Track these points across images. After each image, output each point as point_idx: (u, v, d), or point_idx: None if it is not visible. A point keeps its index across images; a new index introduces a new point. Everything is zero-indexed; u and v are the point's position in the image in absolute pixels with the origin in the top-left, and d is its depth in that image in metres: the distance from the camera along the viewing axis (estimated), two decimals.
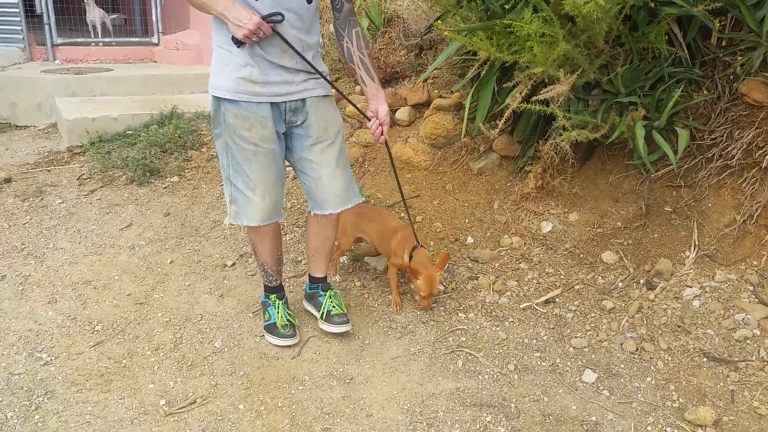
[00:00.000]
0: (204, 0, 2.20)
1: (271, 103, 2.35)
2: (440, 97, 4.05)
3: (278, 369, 2.53)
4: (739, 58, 2.91)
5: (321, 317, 2.77)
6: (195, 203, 4.15)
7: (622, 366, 2.44)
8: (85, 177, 4.47)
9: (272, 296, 2.77)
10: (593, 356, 2.52)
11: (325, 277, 2.86)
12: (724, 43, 3.03)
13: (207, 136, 5.01)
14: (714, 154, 3.01)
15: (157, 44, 7.22)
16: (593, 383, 2.37)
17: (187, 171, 4.58)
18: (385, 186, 3.91)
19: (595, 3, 2.48)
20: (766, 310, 2.49)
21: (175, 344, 2.72)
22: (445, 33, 3.07)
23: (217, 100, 2.35)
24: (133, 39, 7.36)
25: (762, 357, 2.32)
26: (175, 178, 4.48)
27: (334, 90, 2.53)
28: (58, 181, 4.40)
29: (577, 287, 2.93)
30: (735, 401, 2.18)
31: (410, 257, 2.79)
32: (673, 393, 2.27)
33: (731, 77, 2.98)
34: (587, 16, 2.53)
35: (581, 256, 3.13)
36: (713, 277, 2.74)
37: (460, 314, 2.84)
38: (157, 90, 6.17)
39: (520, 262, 3.17)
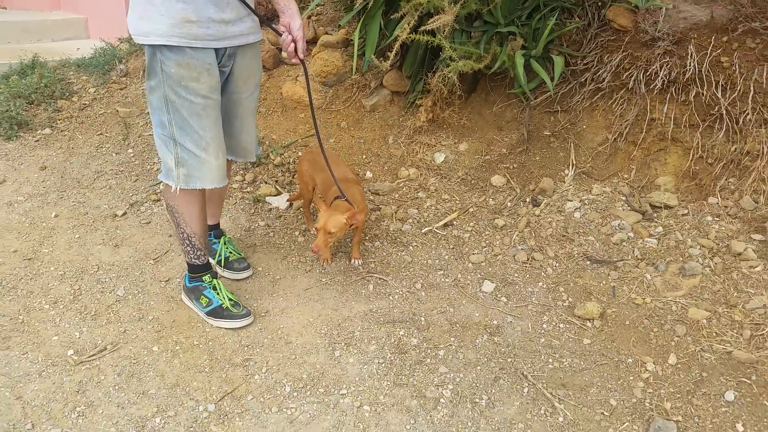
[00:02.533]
0: None
1: (216, 48, 2.12)
2: (326, 33, 4.02)
3: (189, 311, 2.51)
4: None
5: (219, 264, 2.70)
6: (72, 155, 3.90)
7: (516, 275, 2.66)
8: None
9: (205, 276, 2.47)
10: (490, 269, 2.72)
11: (217, 224, 2.78)
12: None
13: (77, 84, 4.67)
14: (586, 79, 3.25)
15: None
16: (492, 292, 2.57)
17: (59, 122, 4.27)
18: (279, 127, 3.88)
19: None
20: (638, 215, 2.79)
21: (74, 296, 2.61)
22: None
23: (152, 48, 2.05)
24: None
25: (636, 256, 2.61)
26: (47, 130, 4.17)
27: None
28: None
29: (471, 210, 3.11)
30: (616, 296, 2.46)
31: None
32: (563, 294, 2.52)
33: (599, 4, 3.21)
34: None
35: (473, 182, 3.32)
36: (590, 191, 3.01)
37: (366, 243, 2.93)
38: (12, 38, 5.62)
39: (418, 192, 3.30)
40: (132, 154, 3.86)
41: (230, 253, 2.74)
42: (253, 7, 2.20)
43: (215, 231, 2.76)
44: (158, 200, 3.36)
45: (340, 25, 3.91)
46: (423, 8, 2.97)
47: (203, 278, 2.47)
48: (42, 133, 4.14)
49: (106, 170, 3.70)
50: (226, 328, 2.39)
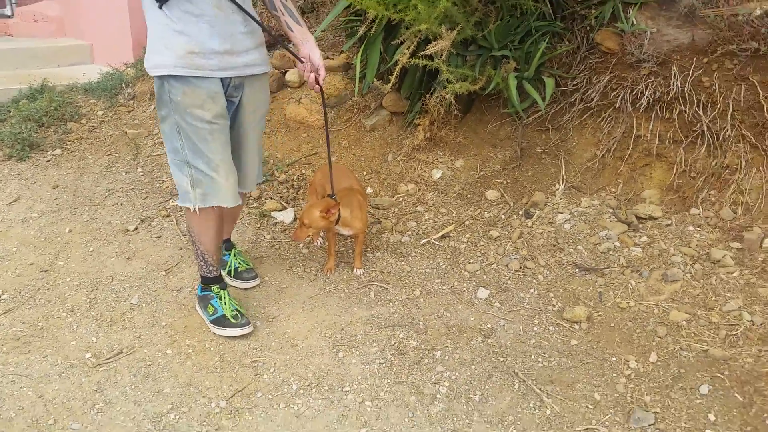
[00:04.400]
0: None
1: (220, 78, 2.25)
2: (328, 58, 4.22)
3: (201, 317, 2.64)
4: (593, 11, 3.35)
5: (228, 274, 2.85)
6: (84, 174, 4.07)
7: (509, 282, 2.81)
8: None
9: (214, 287, 2.61)
10: (485, 277, 2.86)
11: (228, 239, 2.91)
12: None
13: (85, 107, 4.86)
14: (576, 99, 3.44)
15: (11, 16, 6.74)
16: (486, 298, 2.72)
17: (69, 143, 4.44)
18: (283, 146, 4.05)
19: None
20: (624, 226, 2.95)
21: (90, 304, 2.75)
22: None
23: (161, 79, 2.20)
24: None
25: (622, 263, 2.76)
26: (58, 151, 4.34)
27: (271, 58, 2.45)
28: None
29: (467, 222, 3.27)
30: (602, 300, 2.61)
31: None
32: (553, 299, 2.67)
33: (588, 28, 3.41)
34: None
35: (468, 196, 3.48)
36: (580, 203, 3.18)
37: (368, 254, 3.08)
38: (21, 64, 5.81)
39: (417, 206, 3.46)
40: (141, 173, 4.03)
41: (239, 263, 2.88)
42: (268, 30, 2.36)
43: (226, 244, 2.89)
44: (168, 216, 3.51)
45: (342, 51, 4.11)
46: (422, 35, 3.16)
47: (212, 288, 2.61)
48: (53, 154, 4.30)
49: (117, 188, 3.86)
50: (225, 336, 2.53)
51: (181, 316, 2.67)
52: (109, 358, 2.41)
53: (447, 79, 3.29)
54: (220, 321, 2.54)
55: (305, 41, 2.37)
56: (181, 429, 2.08)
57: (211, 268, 2.58)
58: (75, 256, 3.13)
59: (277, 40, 2.54)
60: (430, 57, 3.20)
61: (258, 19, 2.28)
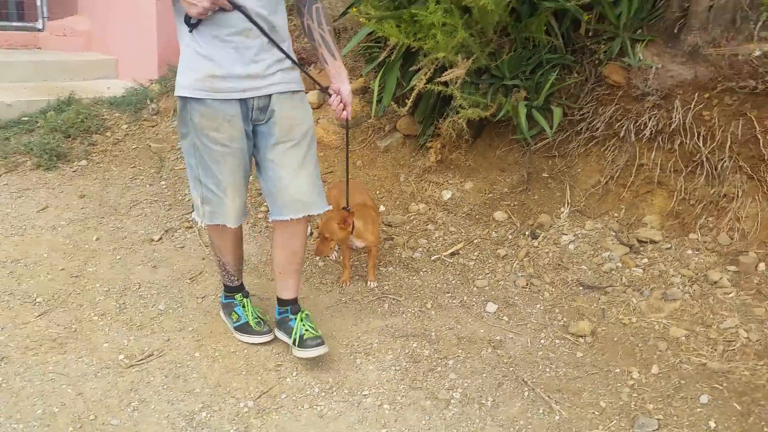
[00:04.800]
0: None
1: (240, 100, 2.25)
2: None
3: (225, 324, 2.80)
4: (602, 46, 3.57)
5: (294, 343, 2.51)
6: (109, 185, 4.24)
7: (517, 297, 2.97)
8: None
9: (237, 296, 2.71)
10: (493, 292, 3.03)
11: (295, 299, 2.63)
12: (590, 34, 3.68)
13: (110, 120, 5.04)
14: (582, 128, 3.63)
15: (41, 30, 6.96)
16: (495, 312, 2.88)
17: (94, 155, 4.62)
18: None
19: None
20: (626, 248, 3.12)
21: (119, 309, 2.90)
22: (360, 19, 3.44)
23: (183, 99, 2.28)
24: (14, 23, 7.04)
25: (624, 282, 2.93)
26: (84, 162, 4.51)
27: (305, 80, 2.40)
28: None
29: (475, 241, 3.44)
30: (605, 317, 2.77)
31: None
32: (558, 314, 2.83)
33: (596, 62, 3.62)
34: (482, 8, 3.02)
35: (477, 216, 3.65)
36: (584, 226, 3.35)
37: (381, 268, 3.25)
38: (48, 77, 6.00)
39: (428, 224, 3.64)
40: (165, 186, 4.20)
41: (306, 330, 2.51)
42: (297, 64, 2.35)
43: (292, 306, 2.60)
44: (190, 227, 3.68)
45: (361, 75, 4.31)
46: (438, 62, 3.36)
47: (235, 297, 2.73)
48: (79, 165, 4.48)
49: (141, 200, 4.03)
50: (249, 343, 2.65)
51: (206, 321, 2.82)
52: (141, 359, 2.56)
53: (460, 105, 3.48)
54: (244, 328, 2.67)
55: (338, 75, 2.42)
56: (213, 426, 2.23)
57: (232, 277, 2.70)
58: (103, 263, 3.29)
59: (302, 70, 2.48)
60: (446, 84, 3.40)
61: (287, 52, 2.30)
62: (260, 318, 2.69)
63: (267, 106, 2.32)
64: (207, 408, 2.31)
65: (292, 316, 2.58)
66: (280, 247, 2.52)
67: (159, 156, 4.53)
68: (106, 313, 2.87)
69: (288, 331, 2.56)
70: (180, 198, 4.03)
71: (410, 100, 3.44)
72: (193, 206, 2.56)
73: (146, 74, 5.67)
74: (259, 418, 2.26)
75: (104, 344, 2.66)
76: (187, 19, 2.17)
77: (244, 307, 2.71)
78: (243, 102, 2.27)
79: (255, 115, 2.32)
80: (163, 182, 4.24)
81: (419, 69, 3.48)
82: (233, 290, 2.74)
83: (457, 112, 3.55)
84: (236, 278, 2.72)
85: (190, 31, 2.19)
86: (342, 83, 2.43)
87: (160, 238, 3.57)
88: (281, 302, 2.64)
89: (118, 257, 3.36)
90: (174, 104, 5.11)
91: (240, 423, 2.24)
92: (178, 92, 2.29)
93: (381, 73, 3.74)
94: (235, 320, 2.70)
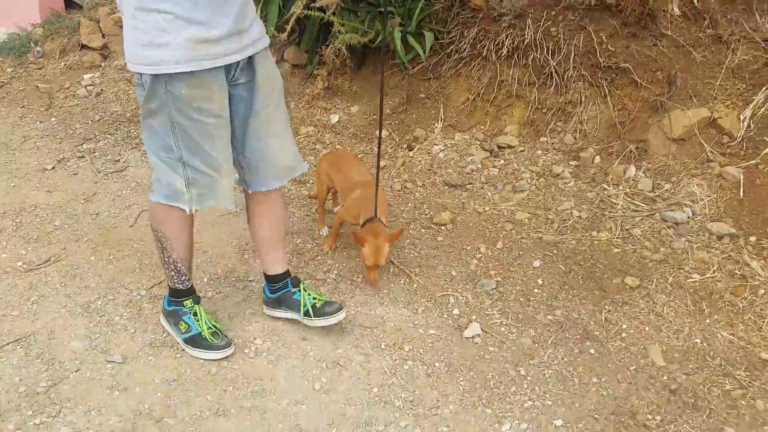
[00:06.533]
0: None
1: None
2: None
3: (119, 233, 3.00)
4: None
5: (305, 315, 2.34)
6: None
7: (391, 200, 3.32)
8: None
9: (187, 302, 2.29)
10: None
11: (288, 271, 2.41)
12: None
13: None
14: (452, 50, 3.96)
15: None
16: None
17: None
18: None
19: None
20: (486, 153, 3.53)
21: (16, 227, 3.04)
22: None
23: (156, 75, 1.88)
24: None
25: (482, 180, 3.34)
26: None
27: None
28: None
29: (359, 156, 3.76)
30: (464, 208, 3.17)
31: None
32: (426, 209, 3.20)
33: None
34: None
35: (362, 135, 3.96)
36: (453, 138, 3.73)
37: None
38: None
39: (316, 144, 3.91)
40: (55, 122, 4.25)
41: (315, 299, 2.37)
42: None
43: (291, 279, 2.41)
44: (82, 157, 3.79)
45: None
46: None
47: (185, 303, 2.29)
48: None
49: (32, 135, 4.08)
50: (203, 359, 2.26)
51: (101, 233, 3.01)
52: (39, 265, 2.74)
53: (338, 31, 3.73)
54: (196, 341, 2.26)
55: None
56: (108, 311, 2.47)
57: (183, 278, 2.26)
58: None
59: None
60: (323, 10, 3.63)
61: None
62: (216, 328, 2.30)
63: (249, 65, 2.03)
64: (102, 298, 2.54)
65: (294, 289, 2.38)
66: (265, 217, 2.31)
67: (48, 95, 4.54)
68: (2, 230, 3.00)
69: (293, 306, 2.36)
70: (71, 132, 4.11)
71: (289, 25, 3.65)
72: (155, 188, 2.12)
73: (28, 19, 5.56)
74: (152, 303, 2.51)
75: (2, 255, 2.81)
76: None
77: (195, 315, 2.28)
78: (227, 65, 1.96)
79: (236, 75, 2.02)
80: (53, 119, 4.29)
81: None
82: (182, 295, 2.29)
83: (337, 38, 3.80)
84: (188, 278, 2.28)
85: None
86: None
87: (53, 167, 3.68)
88: (274, 278, 2.38)
89: (13, 185, 3.46)
90: (61, 45, 5.10)
91: (133, 307, 2.49)
92: (156, 69, 1.86)
93: (261, 4, 3.92)
94: (184, 330, 2.28)
